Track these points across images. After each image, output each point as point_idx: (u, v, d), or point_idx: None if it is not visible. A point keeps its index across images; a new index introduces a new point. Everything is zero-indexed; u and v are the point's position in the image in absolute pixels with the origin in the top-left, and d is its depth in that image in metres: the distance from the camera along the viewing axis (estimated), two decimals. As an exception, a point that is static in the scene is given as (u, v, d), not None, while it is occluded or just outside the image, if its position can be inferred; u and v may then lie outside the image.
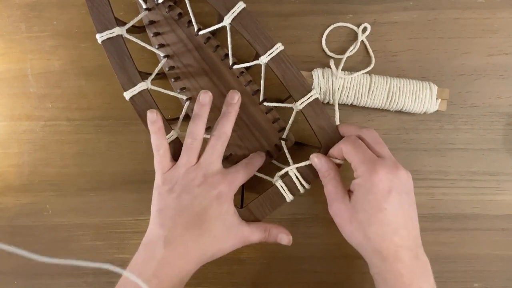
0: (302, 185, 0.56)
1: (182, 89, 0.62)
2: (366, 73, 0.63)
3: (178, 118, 0.59)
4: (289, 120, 0.58)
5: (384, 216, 0.49)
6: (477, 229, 0.66)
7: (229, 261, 0.67)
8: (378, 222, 0.49)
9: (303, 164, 0.56)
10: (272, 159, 0.62)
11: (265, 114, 0.61)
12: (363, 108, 0.64)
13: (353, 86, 0.62)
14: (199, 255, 0.53)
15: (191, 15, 0.57)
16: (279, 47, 0.54)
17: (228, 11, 0.53)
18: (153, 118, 0.54)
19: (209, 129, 0.61)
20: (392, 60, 0.65)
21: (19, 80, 0.67)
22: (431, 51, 0.65)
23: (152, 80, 0.56)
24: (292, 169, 0.56)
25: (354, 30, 0.65)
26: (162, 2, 0.60)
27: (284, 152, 0.60)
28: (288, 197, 0.56)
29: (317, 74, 0.62)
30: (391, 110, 0.64)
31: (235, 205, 0.56)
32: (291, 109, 0.56)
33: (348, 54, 0.64)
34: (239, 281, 0.68)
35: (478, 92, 0.65)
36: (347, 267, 0.67)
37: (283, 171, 0.57)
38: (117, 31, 0.54)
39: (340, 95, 0.62)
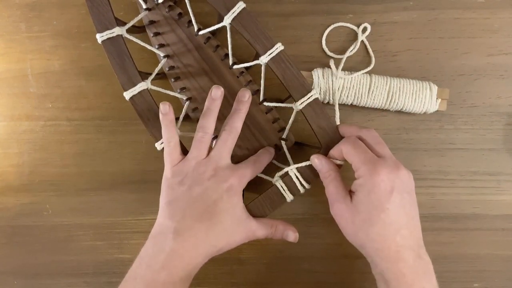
0: (302, 185, 0.56)
1: (182, 89, 0.62)
2: (366, 73, 0.63)
3: (178, 118, 0.58)
4: (289, 120, 0.58)
5: (386, 216, 0.49)
6: (477, 229, 0.66)
7: (229, 261, 0.67)
8: (380, 222, 0.49)
9: (303, 164, 0.56)
10: (272, 159, 0.62)
11: (265, 114, 0.61)
12: (363, 108, 0.64)
13: (353, 86, 0.62)
14: (208, 247, 0.53)
15: (191, 15, 0.57)
16: (279, 47, 0.54)
17: (228, 11, 0.53)
18: (166, 110, 0.54)
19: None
20: (392, 60, 0.65)
21: (19, 80, 0.67)
22: (431, 51, 0.65)
23: (152, 80, 0.56)
24: (292, 169, 0.56)
25: (354, 30, 0.65)
26: (162, 2, 0.60)
27: (284, 152, 0.60)
28: (288, 197, 0.56)
29: (317, 74, 0.62)
30: (391, 110, 0.64)
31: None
32: (291, 109, 0.56)
33: (348, 54, 0.64)
34: (239, 281, 0.68)
35: (478, 92, 0.65)
36: (347, 267, 0.67)
37: (283, 171, 0.57)
38: (117, 31, 0.54)
39: (340, 95, 0.62)
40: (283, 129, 0.60)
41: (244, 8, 0.54)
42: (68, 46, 0.66)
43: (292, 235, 0.58)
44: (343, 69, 0.63)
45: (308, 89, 0.55)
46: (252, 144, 0.61)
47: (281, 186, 0.56)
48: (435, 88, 0.62)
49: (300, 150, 0.64)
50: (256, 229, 0.56)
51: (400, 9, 0.65)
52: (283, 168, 0.57)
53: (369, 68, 0.63)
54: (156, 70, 0.57)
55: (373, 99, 0.62)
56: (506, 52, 0.64)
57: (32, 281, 0.69)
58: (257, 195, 0.57)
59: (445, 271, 0.66)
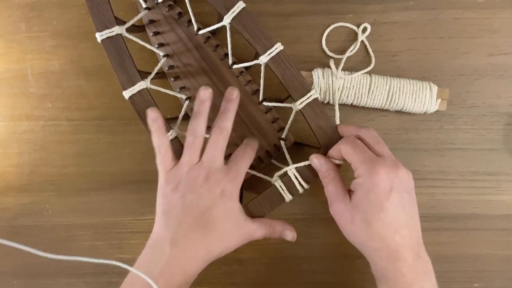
0: (301, 185, 0.56)
1: (182, 89, 0.62)
2: (366, 73, 0.63)
3: (177, 118, 0.58)
4: (288, 120, 0.58)
5: (385, 216, 0.48)
6: (477, 229, 0.66)
7: (229, 261, 0.67)
8: (379, 221, 0.49)
9: (302, 164, 0.56)
10: (271, 159, 0.62)
11: (264, 114, 0.61)
12: (363, 108, 0.64)
13: (353, 86, 0.62)
14: (205, 254, 0.53)
15: (191, 14, 0.57)
16: (278, 47, 0.54)
17: (228, 10, 0.53)
18: (154, 116, 0.53)
19: (208, 129, 0.61)
20: (392, 60, 0.65)
21: (19, 80, 0.67)
22: (431, 51, 0.65)
23: (152, 79, 0.56)
24: (291, 169, 0.56)
25: (354, 30, 0.65)
26: (162, 2, 0.60)
27: (284, 152, 0.60)
28: (287, 197, 0.56)
29: (317, 74, 0.62)
30: (391, 110, 0.64)
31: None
32: (291, 109, 0.56)
33: (348, 54, 0.64)
34: (239, 281, 0.68)
35: (478, 92, 0.65)
36: (347, 267, 0.67)
37: (282, 171, 0.57)
38: (116, 30, 0.54)
39: (340, 95, 0.62)
40: (282, 129, 0.60)
41: (244, 8, 0.54)
42: (68, 46, 0.66)
43: (290, 235, 0.58)
44: (343, 69, 0.63)
45: (307, 89, 0.55)
46: (252, 144, 0.61)
47: (280, 186, 0.56)
48: (435, 88, 0.62)
49: (300, 150, 0.64)
50: (254, 230, 0.55)
51: (400, 9, 0.65)
52: (282, 168, 0.57)
53: (369, 68, 0.63)
54: (156, 69, 0.57)
55: (373, 99, 0.62)
56: (506, 52, 0.64)
57: (32, 281, 0.69)
58: (256, 194, 0.57)
59: (445, 271, 0.66)
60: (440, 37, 0.65)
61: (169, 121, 0.57)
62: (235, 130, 0.60)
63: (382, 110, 0.65)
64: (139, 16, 0.58)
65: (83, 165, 0.68)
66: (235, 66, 0.59)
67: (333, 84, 0.61)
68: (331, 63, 0.62)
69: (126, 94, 0.55)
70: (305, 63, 0.65)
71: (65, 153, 0.68)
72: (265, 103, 0.60)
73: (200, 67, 0.61)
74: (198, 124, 0.54)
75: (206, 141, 0.55)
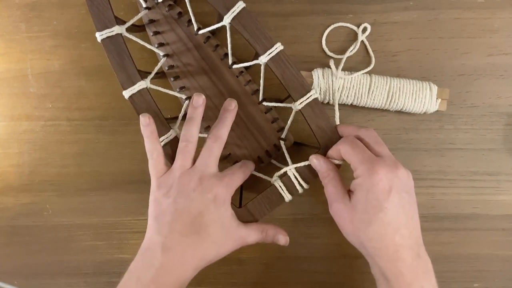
0: (300, 185, 0.56)
1: (182, 88, 0.62)
2: (366, 73, 0.63)
3: (177, 118, 0.58)
4: (288, 120, 0.58)
5: (384, 216, 0.48)
6: (477, 229, 0.66)
7: (229, 261, 0.67)
8: (378, 221, 0.49)
9: (302, 164, 0.56)
10: (271, 158, 0.62)
11: (264, 114, 0.61)
12: (363, 108, 0.64)
13: (353, 86, 0.62)
14: (197, 261, 0.52)
15: (191, 14, 0.57)
16: (278, 46, 0.54)
17: (228, 10, 0.53)
18: (146, 122, 0.54)
19: (208, 128, 0.61)
20: (392, 60, 0.65)
21: (19, 80, 0.67)
22: (431, 51, 0.65)
23: (152, 79, 0.56)
24: (291, 169, 0.56)
25: (354, 30, 0.65)
26: (162, 1, 0.60)
27: (283, 152, 0.60)
28: (287, 197, 0.56)
29: (317, 74, 0.62)
30: (391, 110, 0.64)
31: (234, 205, 0.56)
32: (290, 109, 0.56)
33: (348, 54, 0.64)
34: (239, 281, 0.68)
35: (478, 92, 0.65)
36: (347, 267, 0.67)
37: (282, 171, 0.57)
38: (116, 29, 0.54)
39: (340, 95, 0.62)
40: (282, 129, 0.60)
41: (244, 8, 0.54)
42: (68, 46, 0.67)
43: (282, 239, 0.58)
44: (343, 69, 0.63)
45: (307, 89, 0.55)
46: (251, 144, 0.61)
47: (280, 186, 0.56)
48: (435, 88, 0.62)
49: (299, 150, 0.64)
50: (246, 236, 0.55)
51: (400, 9, 0.65)
52: (282, 168, 0.57)
53: (369, 68, 0.63)
54: (156, 69, 0.57)
55: (373, 99, 0.62)
56: (506, 52, 0.64)
57: (32, 281, 0.69)
58: (256, 194, 0.57)
59: (445, 271, 0.66)
60: (440, 37, 0.65)
61: (169, 121, 0.57)
62: (235, 130, 0.61)
63: (382, 110, 0.65)
64: (139, 15, 0.58)
65: (83, 165, 0.68)
66: (235, 66, 0.59)
67: (333, 84, 0.61)
68: (331, 63, 0.62)
69: (126, 93, 0.55)
70: (305, 63, 0.65)
71: (65, 153, 0.68)
72: (265, 103, 0.60)
73: (200, 67, 0.61)
74: (191, 130, 0.54)
75: (199, 147, 0.55)
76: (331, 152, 0.54)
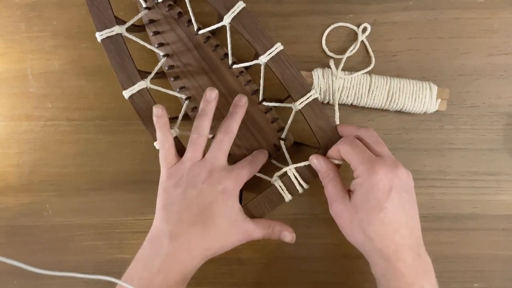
0: (300, 185, 0.56)
1: (182, 88, 0.62)
2: (366, 73, 0.63)
3: (177, 117, 0.58)
4: (288, 120, 0.58)
5: (384, 215, 0.48)
6: (477, 229, 0.66)
7: (229, 261, 0.67)
8: (379, 221, 0.49)
9: (302, 164, 0.56)
10: (271, 159, 0.62)
11: (264, 114, 0.61)
12: (363, 108, 0.64)
13: (353, 86, 0.62)
14: (204, 250, 0.53)
15: (191, 14, 0.57)
16: (278, 46, 0.54)
17: (228, 10, 0.53)
18: (159, 113, 0.54)
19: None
20: (392, 60, 0.65)
21: (19, 80, 0.67)
22: (431, 51, 0.65)
23: (152, 79, 0.56)
24: (291, 169, 0.56)
25: (354, 30, 0.65)
26: (162, 1, 0.60)
27: (283, 152, 0.60)
28: (287, 197, 0.56)
29: (317, 74, 0.62)
30: (391, 110, 0.64)
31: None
32: (290, 109, 0.56)
33: (348, 54, 0.64)
34: (239, 281, 0.68)
35: (478, 92, 0.65)
36: (347, 267, 0.67)
37: (282, 171, 0.57)
38: (116, 29, 0.54)
39: (340, 95, 0.62)
40: (282, 129, 0.60)
41: (244, 8, 0.54)
42: (68, 46, 0.67)
43: (289, 236, 0.58)
44: (343, 69, 0.63)
45: (307, 89, 0.55)
46: (251, 144, 0.61)
47: (280, 186, 0.56)
48: (435, 88, 0.62)
49: (299, 150, 0.64)
50: (253, 231, 0.55)
51: (400, 9, 0.65)
52: (282, 168, 0.57)
53: (369, 68, 0.63)
54: (156, 69, 0.57)
55: (373, 99, 0.62)
56: (506, 52, 0.64)
57: (32, 281, 0.69)
58: (256, 194, 0.57)
59: (445, 271, 0.66)
60: (440, 37, 0.65)
61: (169, 121, 0.57)
62: (235, 130, 0.61)
63: (382, 110, 0.65)
64: (139, 15, 0.58)
65: (83, 165, 0.68)
66: (235, 66, 0.59)
67: (333, 84, 0.61)
68: (331, 63, 0.62)
69: (126, 93, 0.55)
70: (305, 63, 0.65)
71: (65, 153, 0.68)
72: (265, 103, 0.60)
73: (200, 67, 0.61)
74: (203, 123, 0.55)
75: (209, 142, 0.56)
76: (331, 152, 0.54)
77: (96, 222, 0.68)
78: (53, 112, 0.67)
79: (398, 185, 0.49)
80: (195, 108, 0.62)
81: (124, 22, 0.56)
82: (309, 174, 0.56)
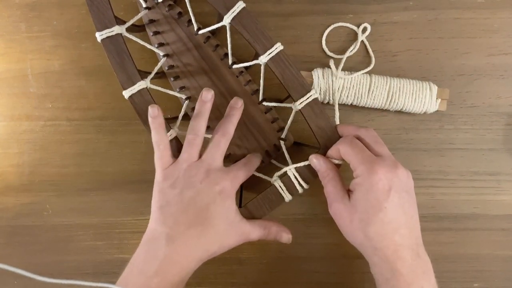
0: (300, 185, 0.56)
1: (182, 88, 0.62)
2: (366, 73, 0.63)
3: (177, 117, 0.58)
4: (288, 120, 0.58)
5: (384, 215, 0.48)
6: (477, 229, 0.66)
7: (229, 261, 0.67)
8: (378, 221, 0.49)
9: (301, 164, 0.56)
10: (271, 159, 0.62)
11: (264, 114, 0.61)
12: (363, 108, 0.64)
13: (353, 86, 0.62)
14: (201, 252, 0.52)
15: (191, 14, 0.57)
16: (278, 46, 0.54)
17: (228, 10, 0.53)
18: (154, 113, 0.54)
19: (208, 129, 0.61)
20: (392, 60, 0.65)
21: (19, 80, 0.67)
22: (431, 51, 0.65)
23: (152, 79, 0.56)
24: (290, 169, 0.56)
25: (354, 30, 0.65)
26: (162, 1, 0.60)
27: (283, 152, 0.60)
28: (287, 197, 0.56)
29: (317, 74, 0.62)
30: (391, 110, 0.64)
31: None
32: (290, 109, 0.56)
33: (348, 54, 0.64)
34: (239, 281, 0.68)
35: (478, 92, 0.65)
36: (347, 267, 0.67)
37: (281, 171, 0.57)
38: (116, 29, 0.54)
39: (340, 95, 0.62)
40: (282, 129, 0.60)
41: (243, 8, 0.54)
42: (68, 46, 0.67)
43: (285, 237, 0.58)
44: (343, 69, 0.63)
45: (307, 89, 0.55)
46: (251, 144, 0.61)
47: (280, 186, 0.56)
48: (435, 88, 0.62)
49: (299, 150, 0.64)
50: (250, 232, 0.55)
51: (400, 9, 0.65)
52: (282, 168, 0.57)
53: (369, 68, 0.63)
54: (156, 69, 0.57)
55: (373, 99, 0.62)
56: (506, 52, 0.64)
57: (32, 281, 0.69)
58: (256, 194, 0.57)
59: (445, 271, 0.66)
60: (440, 37, 0.65)
61: (169, 121, 0.57)
62: (235, 130, 0.60)
63: (382, 110, 0.65)
64: (139, 15, 0.58)
65: (83, 165, 0.68)
66: (235, 66, 0.59)
67: (333, 84, 0.61)
68: (331, 63, 0.62)
69: (126, 93, 0.55)
70: (305, 63, 0.65)
71: (65, 153, 0.68)
72: (265, 103, 0.60)
73: (200, 67, 0.61)
74: (199, 124, 0.54)
75: (206, 142, 0.55)
76: (331, 152, 0.54)
77: (96, 222, 0.68)
78: (53, 112, 0.67)
79: (397, 185, 0.49)
80: (195, 108, 0.62)
81: (124, 22, 0.56)
82: (309, 174, 0.56)
